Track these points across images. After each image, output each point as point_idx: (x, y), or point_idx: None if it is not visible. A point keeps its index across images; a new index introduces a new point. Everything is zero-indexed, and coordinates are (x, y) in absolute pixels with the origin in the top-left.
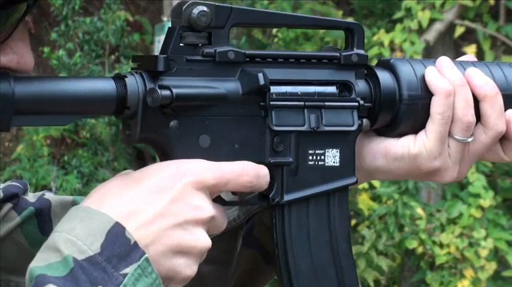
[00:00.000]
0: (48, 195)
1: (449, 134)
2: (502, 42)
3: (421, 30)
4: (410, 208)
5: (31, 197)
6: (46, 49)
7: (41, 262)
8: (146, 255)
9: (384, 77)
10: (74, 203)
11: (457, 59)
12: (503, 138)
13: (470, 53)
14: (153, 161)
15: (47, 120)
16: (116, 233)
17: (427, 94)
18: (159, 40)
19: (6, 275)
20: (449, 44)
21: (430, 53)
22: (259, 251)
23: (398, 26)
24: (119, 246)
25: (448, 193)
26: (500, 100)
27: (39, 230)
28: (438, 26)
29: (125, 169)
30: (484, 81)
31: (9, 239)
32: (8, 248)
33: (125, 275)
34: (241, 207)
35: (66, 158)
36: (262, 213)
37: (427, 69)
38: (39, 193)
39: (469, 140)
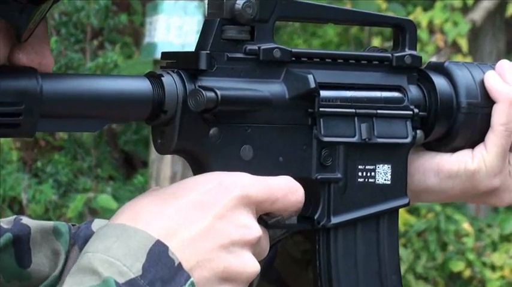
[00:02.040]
0: (26, 220)
1: (511, 149)
2: None
3: (465, 9)
4: (455, 223)
5: (2, 222)
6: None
7: (77, 286)
8: (192, 279)
9: (439, 82)
10: (56, 231)
11: None
12: None
13: None
14: (144, 167)
15: (74, 126)
16: (158, 252)
17: (487, 102)
18: (151, 22)
19: None
20: (500, 25)
21: (477, 36)
22: (278, 286)
23: (439, 4)
24: (162, 267)
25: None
26: None
27: (16, 260)
28: (486, 4)
29: (110, 176)
30: None
31: None
32: None
33: None
34: None
35: (39, 164)
36: (287, 241)
37: (486, 73)
38: (11, 217)
39: None
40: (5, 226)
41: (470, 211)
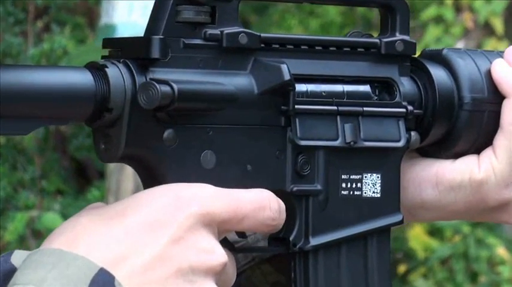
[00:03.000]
0: None
1: None
2: None
3: None
4: (488, 248)
5: None
6: None
7: None
8: None
9: (438, 73)
10: None
11: None
12: None
13: None
14: (100, 178)
15: (2, 127)
16: (103, 283)
17: (496, 97)
18: (109, 1)
19: None
20: None
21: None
22: None
23: None
24: None
25: None
26: None
27: None
28: None
29: (59, 190)
30: None
31: None
32: None
33: None
34: None
35: None
36: (253, 271)
37: (494, 63)
38: None
39: None
40: None
41: (507, 232)
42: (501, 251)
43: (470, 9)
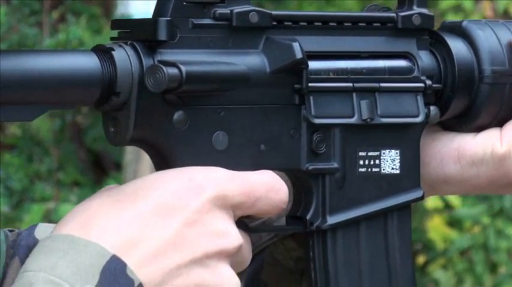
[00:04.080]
0: None
1: None
2: None
3: None
4: (508, 238)
5: None
6: None
7: None
8: None
9: (457, 46)
10: None
11: None
12: None
13: None
14: (117, 169)
15: (7, 114)
16: (114, 271)
17: None
18: None
19: None
20: None
21: None
22: None
23: None
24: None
25: None
26: None
27: None
28: None
29: (75, 182)
30: None
31: None
32: None
33: None
34: None
35: None
36: (276, 248)
37: None
38: None
39: None
40: None
41: None
42: None
43: None
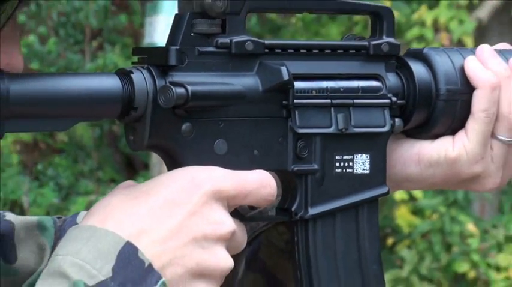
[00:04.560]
0: (10, 216)
1: (493, 135)
2: None
3: (471, 7)
4: (460, 224)
5: None
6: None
7: None
8: (163, 279)
9: (418, 69)
10: (40, 226)
11: (493, 47)
12: None
13: None
14: (146, 169)
15: (44, 125)
16: (128, 254)
17: (467, 88)
18: (151, 22)
19: None
20: (507, 22)
21: (483, 35)
22: (264, 276)
23: (444, 2)
24: (133, 269)
25: (505, 205)
26: None
27: (2, 258)
28: (493, 2)
29: (112, 179)
30: None
31: None
32: None
33: None
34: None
35: (40, 167)
36: (270, 232)
37: (467, 59)
38: None
39: None
40: None
41: (475, 211)
42: (470, 226)
43: (447, 30)
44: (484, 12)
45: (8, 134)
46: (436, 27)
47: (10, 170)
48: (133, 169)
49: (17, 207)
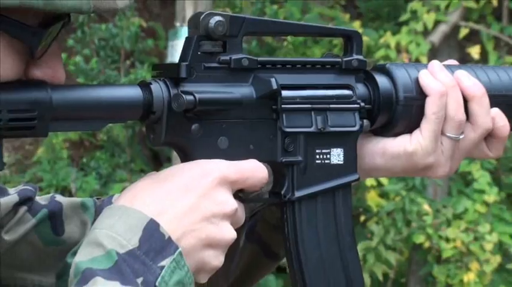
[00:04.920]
0: (59, 197)
1: (442, 133)
2: (505, 43)
3: (426, 32)
4: (417, 204)
5: (41, 199)
6: (63, 55)
7: (86, 257)
8: (180, 249)
9: (382, 80)
10: (83, 205)
11: (442, 63)
12: (488, 136)
13: (474, 53)
14: (169, 161)
15: (81, 126)
16: (151, 228)
17: (421, 96)
18: (172, 45)
19: (21, 273)
20: (454, 45)
21: (435, 55)
22: (260, 246)
23: (404, 28)
24: (155, 241)
25: (453, 189)
26: (486, 100)
27: (52, 231)
28: (443, 28)
29: (142, 170)
30: (472, 83)
31: (24, 241)
32: (22, 248)
33: (162, 267)
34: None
35: (84, 160)
36: (265, 211)
37: (420, 72)
38: (48, 195)
39: (460, 137)
40: (43, 203)
41: (429, 194)
42: (425, 206)
43: (407, 51)
44: (436, 36)
45: (59, 134)
46: (398, 49)
47: (61, 162)
48: (159, 162)
49: (66, 192)
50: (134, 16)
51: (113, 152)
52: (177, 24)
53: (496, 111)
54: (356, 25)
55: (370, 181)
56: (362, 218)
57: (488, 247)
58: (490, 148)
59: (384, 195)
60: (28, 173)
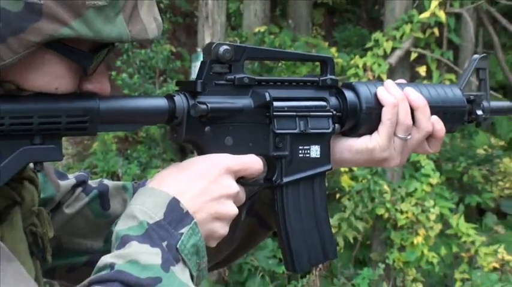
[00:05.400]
0: (106, 181)
1: (394, 134)
2: (445, 64)
3: (385, 56)
4: (379, 185)
5: (93, 182)
6: (113, 73)
7: (124, 226)
8: (195, 220)
9: (349, 95)
10: (124, 187)
11: (395, 81)
12: (429, 137)
13: (421, 72)
14: (192, 154)
15: (122, 127)
16: (173, 204)
17: (378, 106)
18: (195, 65)
19: (78, 239)
20: (406, 66)
21: (392, 73)
22: (257, 219)
23: (369, 53)
24: (176, 214)
25: (406, 174)
26: (428, 109)
27: (101, 207)
28: (398, 53)
29: (171, 159)
30: (417, 96)
31: (79, 214)
32: (78, 220)
33: (181, 234)
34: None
35: (129, 151)
36: (260, 193)
37: (378, 88)
38: (98, 180)
39: (408, 137)
40: (94, 185)
41: (388, 178)
42: (385, 187)
43: (371, 70)
44: (393, 59)
45: (110, 132)
46: (365, 68)
47: (111, 153)
48: (184, 153)
49: (115, 176)
50: (166, 43)
51: (150, 146)
52: (198, 49)
53: (435, 118)
54: (333, 50)
55: (343, 168)
56: (337, 195)
57: (432, 217)
58: (430, 146)
59: (354, 178)
60: (86, 161)
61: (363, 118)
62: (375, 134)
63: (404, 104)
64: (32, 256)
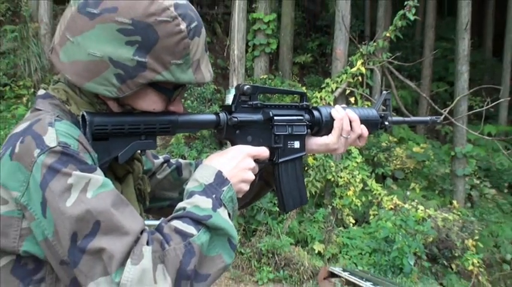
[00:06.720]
0: (180, 160)
1: (341, 135)
2: (365, 96)
3: (332, 91)
4: (329, 162)
5: (173, 161)
6: (182, 100)
7: (190, 186)
8: (231, 183)
9: (316, 113)
10: (190, 163)
11: (340, 106)
12: (359, 136)
13: (352, 100)
14: (226, 145)
15: (189, 131)
16: (219, 174)
17: (332, 119)
18: (228, 97)
19: (164, 192)
20: (344, 97)
21: (336, 101)
22: (263, 181)
23: (323, 90)
24: (220, 179)
25: (344, 156)
26: (359, 121)
27: (178, 174)
28: (339, 90)
29: (215, 148)
30: (353, 115)
31: (165, 178)
32: (165, 182)
33: (223, 190)
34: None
35: (191, 143)
36: (266, 167)
37: (331, 109)
38: (175, 159)
39: (348, 137)
40: (173, 162)
41: (334, 158)
42: (332, 163)
43: (325, 99)
44: (336, 93)
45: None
46: (321, 98)
47: (181, 144)
48: (222, 145)
49: (183, 158)
50: (212, 83)
51: (202, 140)
52: (230, 87)
53: (363, 126)
54: (304, 88)
55: (310, 154)
56: (306, 168)
57: (357, 180)
58: (360, 141)
59: (315, 159)
60: (167, 149)
61: (323, 126)
62: (330, 135)
63: (346, 118)
64: (138, 202)
